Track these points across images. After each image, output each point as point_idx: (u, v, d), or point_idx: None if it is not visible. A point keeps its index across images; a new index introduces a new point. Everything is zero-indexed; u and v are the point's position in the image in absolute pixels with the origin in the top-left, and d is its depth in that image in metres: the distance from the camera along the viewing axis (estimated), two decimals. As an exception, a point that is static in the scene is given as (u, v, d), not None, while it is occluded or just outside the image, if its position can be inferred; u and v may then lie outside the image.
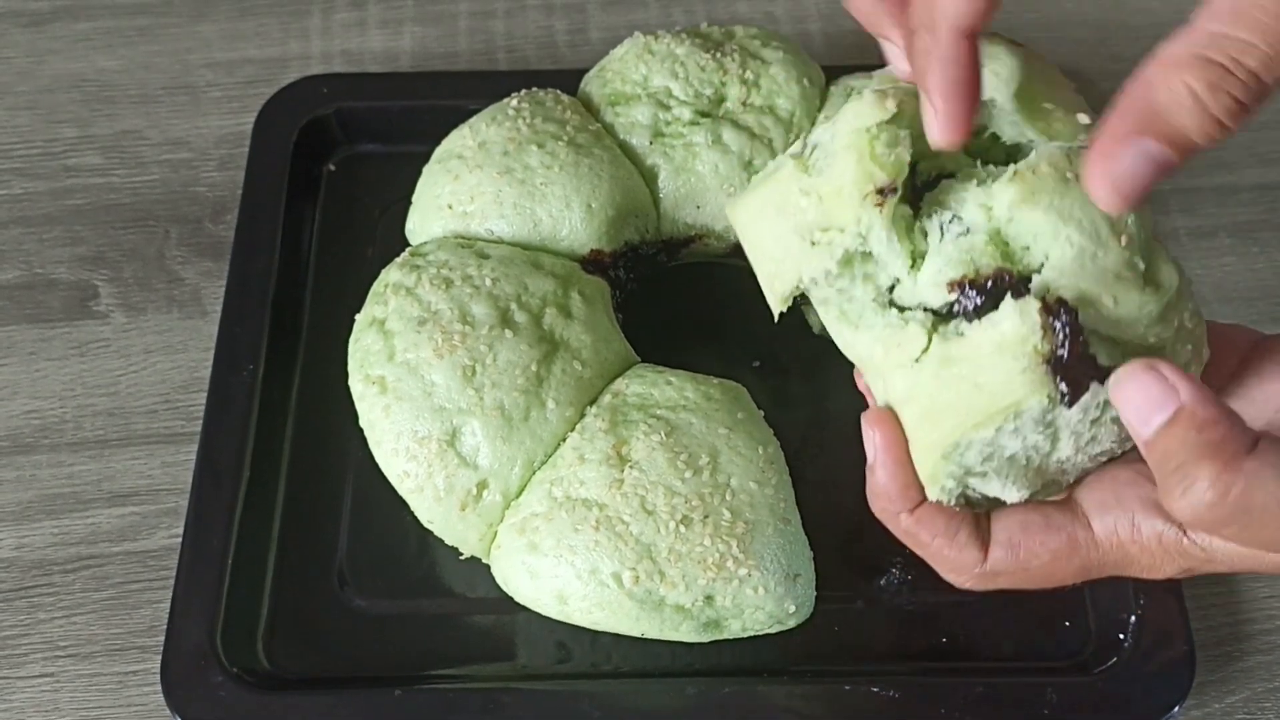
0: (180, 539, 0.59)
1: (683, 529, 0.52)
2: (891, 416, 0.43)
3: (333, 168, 0.74)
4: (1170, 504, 0.36)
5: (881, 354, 0.42)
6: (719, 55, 0.64)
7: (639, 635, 0.53)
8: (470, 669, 0.58)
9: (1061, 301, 0.38)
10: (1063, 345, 0.38)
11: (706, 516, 0.52)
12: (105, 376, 0.68)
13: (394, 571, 0.60)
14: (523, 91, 0.65)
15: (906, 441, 0.43)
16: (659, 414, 0.55)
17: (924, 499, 0.44)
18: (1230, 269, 0.72)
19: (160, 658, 0.56)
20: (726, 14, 0.83)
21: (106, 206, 0.74)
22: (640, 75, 0.64)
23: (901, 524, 0.44)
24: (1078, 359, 0.38)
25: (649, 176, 0.63)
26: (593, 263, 0.61)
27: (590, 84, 0.66)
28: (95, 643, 0.60)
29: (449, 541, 0.57)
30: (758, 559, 0.52)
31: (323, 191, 0.73)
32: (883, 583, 0.60)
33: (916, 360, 0.41)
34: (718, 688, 0.55)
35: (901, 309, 0.42)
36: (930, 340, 0.41)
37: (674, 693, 0.56)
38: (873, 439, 0.43)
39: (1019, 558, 0.43)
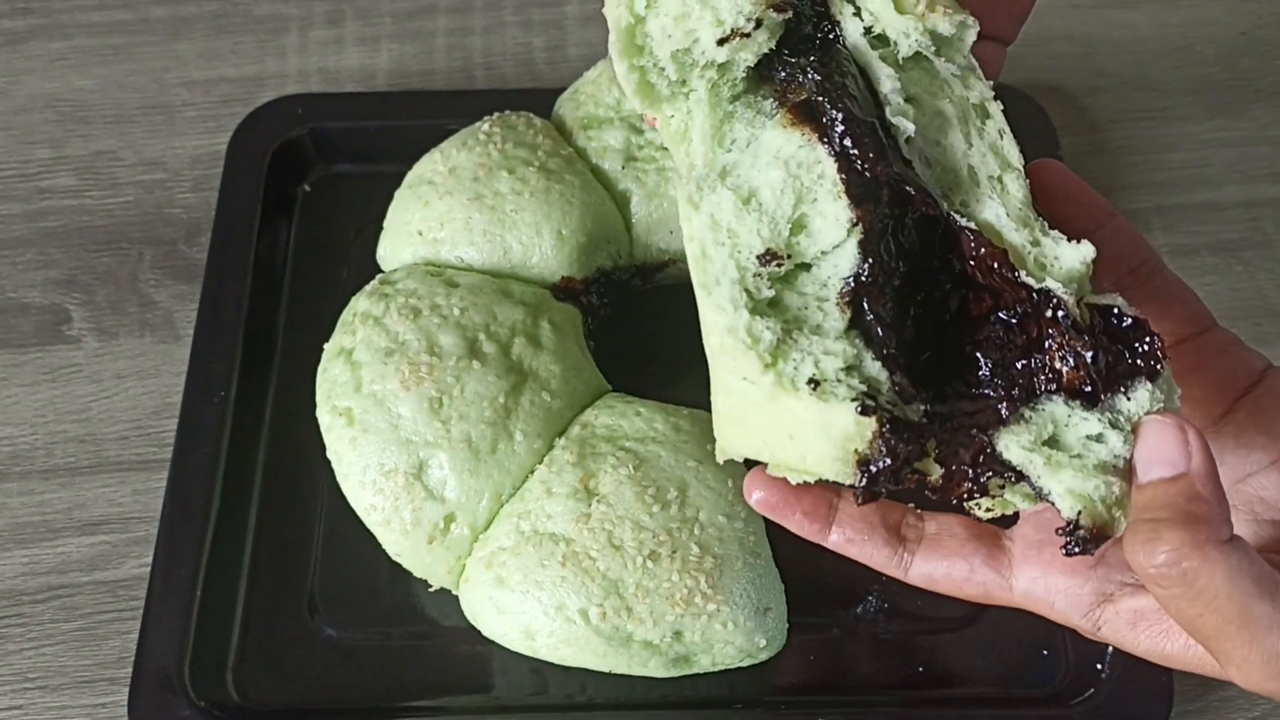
0: (150, 568, 0.59)
1: (650, 564, 0.51)
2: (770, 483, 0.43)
3: (308, 188, 0.73)
4: (1131, 547, 0.37)
5: (717, 344, 0.38)
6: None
7: (607, 671, 0.53)
8: (443, 700, 0.57)
9: (902, 427, 0.37)
10: (878, 463, 0.37)
11: (675, 551, 0.52)
12: (77, 402, 0.67)
13: (366, 600, 0.60)
14: (495, 115, 0.65)
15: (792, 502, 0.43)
16: (627, 446, 0.54)
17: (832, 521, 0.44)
18: (1213, 287, 0.71)
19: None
20: (706, 30, 0.82)
21: (80, 229, 0.73)
22: (613, 99, 0.63)
23: (917, 583, 0.45)
24: (887, 476, 0.37)
25: (621, 202, 0.62)
26: (564, 290, 0.60)
27: (563, 106, 0.66)
28: (64, 674, 0.59)
29: (417, 574, 0.56)
30: (727, 594, 0.52)
31: (297, 212, 0.72)
32: (859, 611, 0.59)
33: (744, 378, 0.38)
34: (691, 720, 0.55)
35: (757, 315, 0.38)
36: (764, 376, 0.37)
37: (647, 725, 0.55)
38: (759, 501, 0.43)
39: (933, 587, 0.45)
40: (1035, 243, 0.39)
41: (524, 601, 0.52)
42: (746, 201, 0.39)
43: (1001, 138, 0.40)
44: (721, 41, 0.40)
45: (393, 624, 0.59)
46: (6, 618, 0.61)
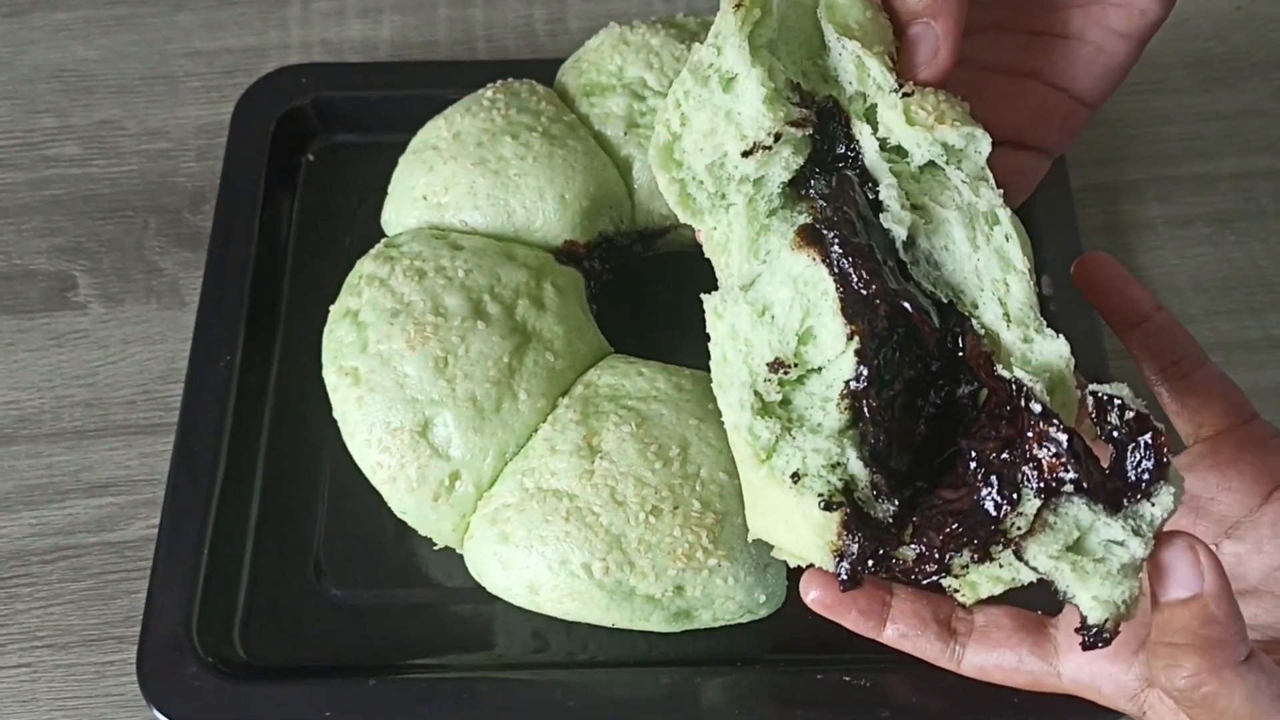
0: (157, 529, 0.59)
1: (652, 520, 0.52)
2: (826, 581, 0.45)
3: (311, 157, 0.74)
4: (1153, 667, 0.39)
5: (730, 439, 0.43)
6: (694, 46, 0.64)
7: (610, 626, 0.54)
8: (447, 658, 0.58)
9: (866, 522, 0.40)
10: (850, 552, 0.40)
11: (676, 507, 0.52)
12: (83, 367, 0.68)
13: (371, 561, 0.61)
14: (498, 82, 0.65)
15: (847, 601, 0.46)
16: (630, 405, 0.55)
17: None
18: (1206, 258, 0.72)
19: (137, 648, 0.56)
20: (706, 2, 0.83)
21: (85, 197, 0.74)
22: (615, 66, 0.64)
23: (971, 674, 0.48)
24: (862, 565, 0.40)
25: (624, 167, 0.63)
26: (567, 254, 0.61)
27: (566, 74, 0.67)
28: (73, 633, 0.60)
29: (423, 532, 0.57)
30: (728, 549, 0.52)
31: (301, 181, 0.73)
32: (857, 571, 0.60)
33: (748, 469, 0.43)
34: (691, 677, 0.56)
35: (760, 416, 0.42)
36: (760, 470, 0.42)
37: (648, 682, 0.56)
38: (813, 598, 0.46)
39: (985, 677, 0.47)
40: (1028, 340, 0.42)
41: (528, 556, 0.53)
42: (761, 314, 0.43)
43: (1008, 241, 0.43)
44: (746, 154, 0.43)
45: (397, 584, 0.60)
46: (15, 578, 0.62)
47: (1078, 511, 0.39)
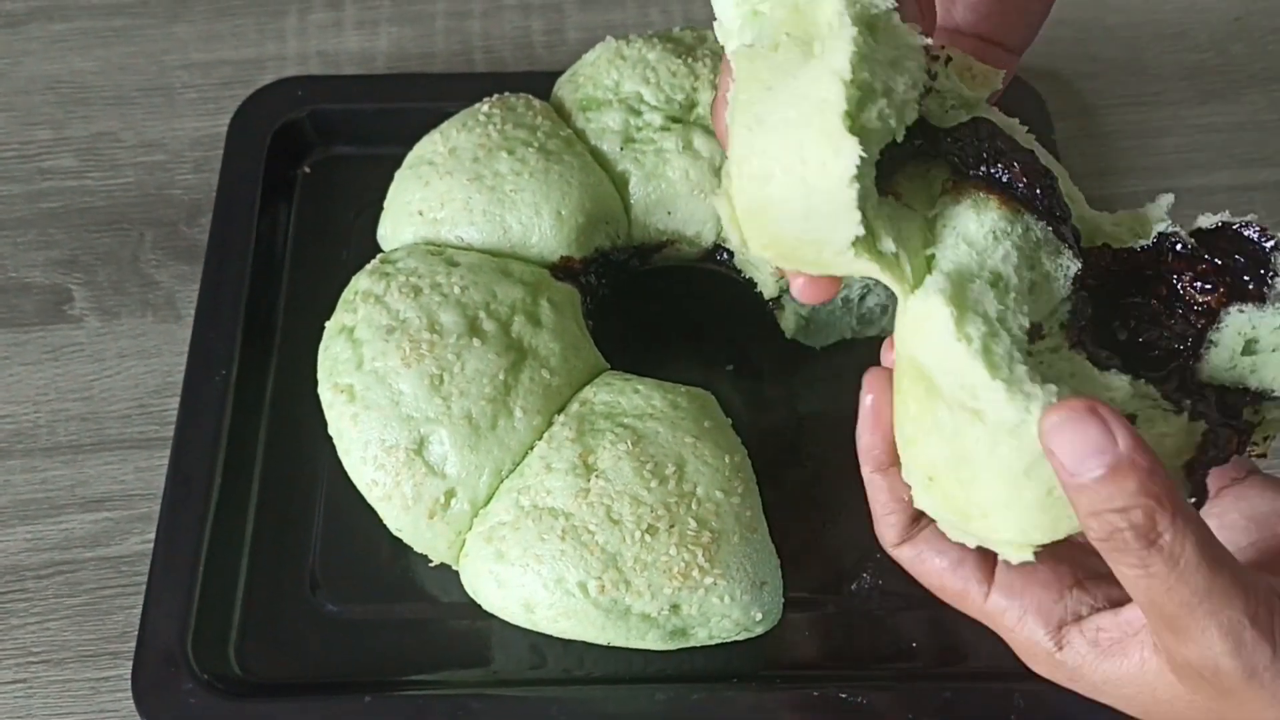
0: (152, 544, 0.59)
1: (648, 538, 0.52)
2: (887, 381, 0.42)
3: (308, 170, 0.74)
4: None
5: (996, 415, 0.37)
6: (690, 60, 0.64)
7: (606, 644, 0.54)
8: (443, 675, 0.58)
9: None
10: (1206, 462, 0.39)
11: (672, 526, 0.52)
12: (79, 381, 0.68)
13: (367, 576, 0.60)
14: (494, 97, 0.65)
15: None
16: (626, 423, 0.55)
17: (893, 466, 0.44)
18: (1204, 271, 0.72)
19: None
20: (704, 14, 0.82)
21: (81, 209, 0.74)
22: (612, 80, 0.64)
23: (902, 558, 0.46)
24: (1203, 479, 0.39)
25: (620, 182, 0.63)
26: (563, 269, 0.61)
27: (562, 89, 0.66)
28: (68, 649, 0.60)
29: (418, 549, 0.57)
30: (724, 568, 0.52)
31: (297, 194, 0.73)
32: (853, 587, 0.60)
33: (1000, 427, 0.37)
34: (687, 694, 0.56)
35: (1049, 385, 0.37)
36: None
37: (644, 699, 0.56)
38: (868, 402, 0.43)
39: (915, 567, 0.45)
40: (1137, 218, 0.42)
41: (524, 575, 0.53)
42: (995, 285, 0.39)
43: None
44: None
45: (393, 600, 0.60)
46: (10, 593, 0.61)
47: (1232, 319, 0.39)
